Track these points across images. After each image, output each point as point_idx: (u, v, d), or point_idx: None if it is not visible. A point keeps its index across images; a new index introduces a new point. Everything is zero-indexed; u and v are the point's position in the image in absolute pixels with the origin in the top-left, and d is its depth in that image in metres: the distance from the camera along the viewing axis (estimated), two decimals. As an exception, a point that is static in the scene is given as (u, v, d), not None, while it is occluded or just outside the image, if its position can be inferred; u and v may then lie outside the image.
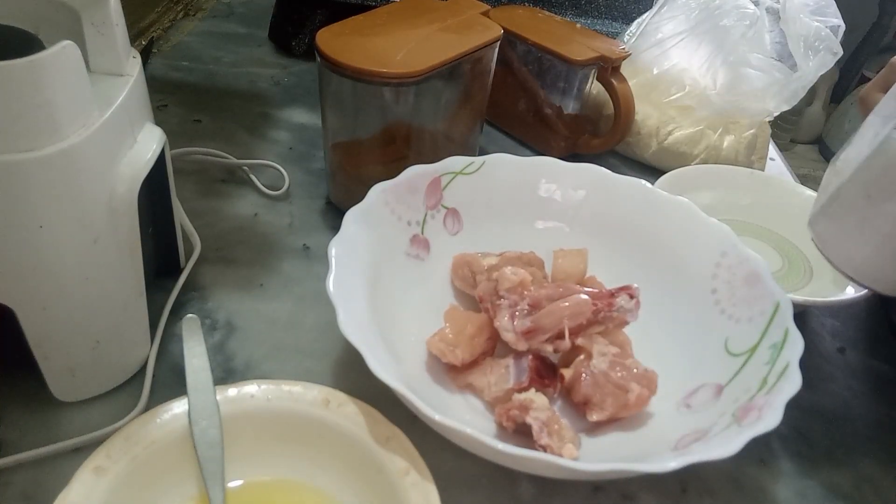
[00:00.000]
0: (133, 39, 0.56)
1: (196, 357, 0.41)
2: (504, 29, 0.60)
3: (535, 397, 0.41)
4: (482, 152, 0.58)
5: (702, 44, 0.71)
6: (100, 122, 0.36)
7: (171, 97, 0.73)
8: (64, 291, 0.38)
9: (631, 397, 0.42)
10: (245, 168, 0.64)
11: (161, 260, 0.50)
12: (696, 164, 0.68)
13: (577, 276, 0.51)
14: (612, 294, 0.44)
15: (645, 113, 0.70)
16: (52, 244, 0.36)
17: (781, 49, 0.71)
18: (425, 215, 0.52)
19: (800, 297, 0.49)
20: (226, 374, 0.46)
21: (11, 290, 0.37)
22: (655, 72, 0.71)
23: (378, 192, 0.49)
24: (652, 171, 0.69)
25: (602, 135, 0.71)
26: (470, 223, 0.54)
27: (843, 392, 0.51)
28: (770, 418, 0.37)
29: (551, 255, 0.52)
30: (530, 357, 0.44)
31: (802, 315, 0.57)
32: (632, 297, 0.44)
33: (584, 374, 0.43)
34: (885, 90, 0.41)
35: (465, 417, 0.44)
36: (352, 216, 0.47)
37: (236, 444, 0.38)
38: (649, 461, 0.36)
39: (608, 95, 0.68)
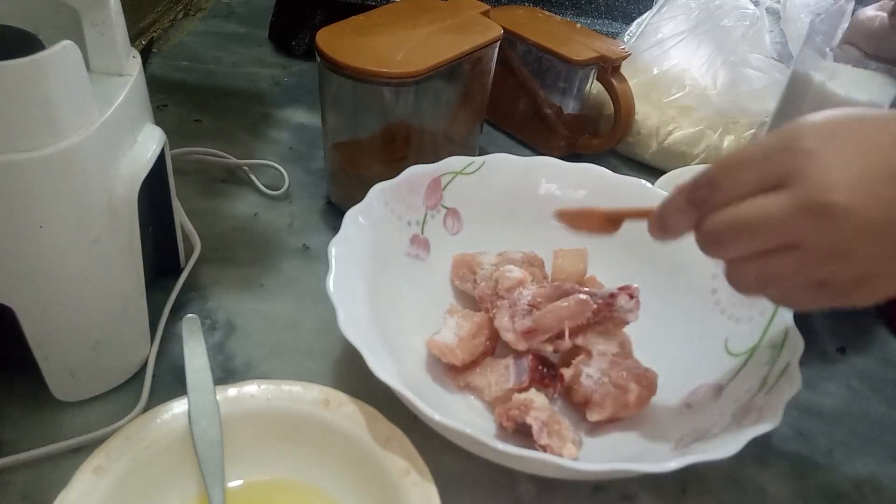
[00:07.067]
0: (133, 39, 0.56)
1: (196, 357, 0.41)
2: (504, 29, 0.60)
3: (535, 397, 0.41)
4: (482, 152, 0.58)
5: (702, 44, 0.71)
6: (100, 122, 0.36)
7: (171, 97, 0.73)
8: (64, 291, 0.38)
9: (631, 397, 0.42)
10: (245, 168, 0.64)
11: (161, 260, 0.50)
12: (696, 164, 0.68)
13: (577, 276, 0.51)
14: (612, 294, 0.44)
15: (645, 113, 0.70)
16: (52, 244, 0.36)
17: (781, 49, 0.71)
18: (425, 215, 0.52)
19: (800, 297, 0.49)
20: (226, 374, 0.46)
21: (11, 290, 0.37)
22: (655, 72, 0.71)
23: (378, 191, 0.49)
24: (652, 171, 0.69)
25: (602, 135, 0.71)
26: (470, 223, 0.54)
27: (842, 392, 0.51)
28: (770, 418, 0.37)
29: (551, 255, 0.52)
30: (530, 357, 0.44)
31: (802, 315, 0.57)
32: (632, 297, 0.44)
33: (584, 374, 0.43)
34: (849, 42, 0.53)
35: (465, 417, 0.44)
36: (352, 216, 0.47)
37: (236, 444, 0.38)
38: (649, 461, 0.36)
39: (608, 95, 0.68)
